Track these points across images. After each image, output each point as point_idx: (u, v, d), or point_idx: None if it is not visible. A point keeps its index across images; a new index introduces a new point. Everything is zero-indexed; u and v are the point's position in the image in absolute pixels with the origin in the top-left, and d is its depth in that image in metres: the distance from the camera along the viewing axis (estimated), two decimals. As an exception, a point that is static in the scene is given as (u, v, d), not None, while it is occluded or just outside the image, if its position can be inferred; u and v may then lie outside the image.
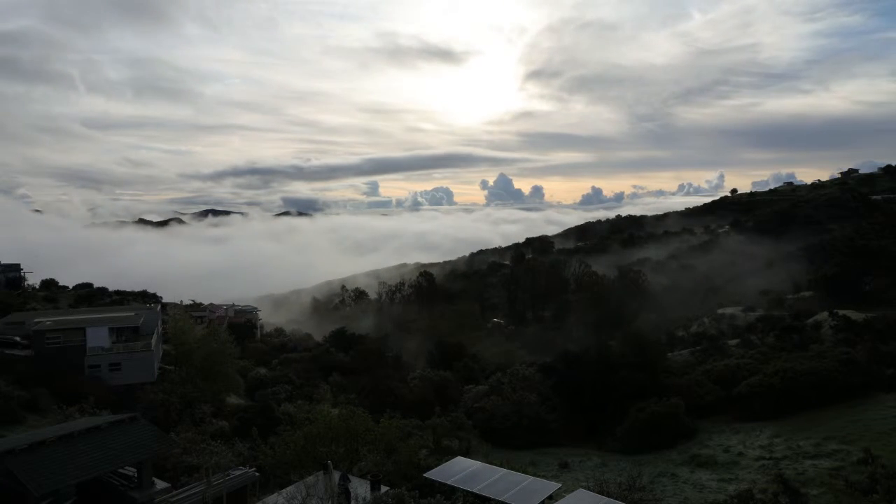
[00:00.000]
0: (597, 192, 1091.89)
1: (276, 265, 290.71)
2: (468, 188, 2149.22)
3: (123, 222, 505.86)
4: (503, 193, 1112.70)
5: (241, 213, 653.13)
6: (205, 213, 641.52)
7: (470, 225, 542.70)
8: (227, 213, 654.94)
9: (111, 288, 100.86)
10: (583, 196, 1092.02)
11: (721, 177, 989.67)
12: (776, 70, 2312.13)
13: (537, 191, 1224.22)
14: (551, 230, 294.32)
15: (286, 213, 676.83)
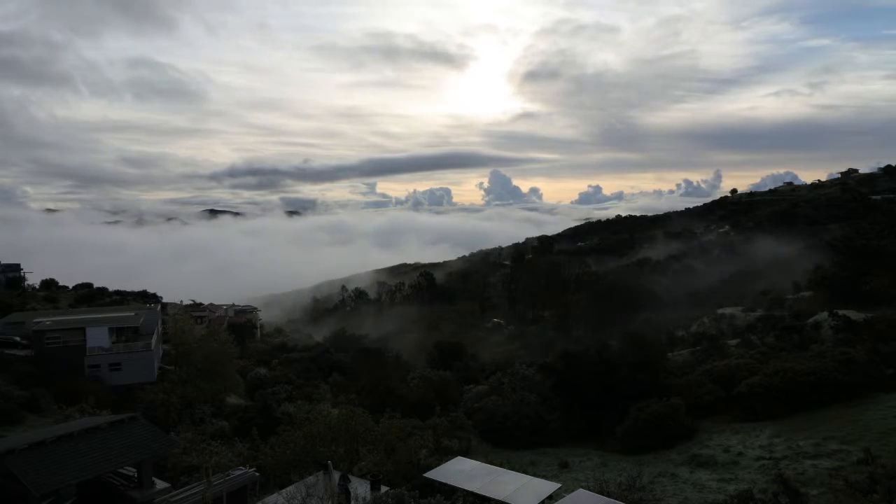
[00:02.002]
0: (596, 191, 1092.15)
1: (275, 265, 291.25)
2: (460, 188, 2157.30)
3: (121, 222, 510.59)
4: (503, 193, 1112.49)
5: (243, 213, 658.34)
6: (222, 213, 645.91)
7: (507, 223, 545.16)
8: (231, 212, 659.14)
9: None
10: (580, 195, 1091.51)
11: (718, 177, 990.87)
12: (724, 75, 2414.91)
13: (534, 191, 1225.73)
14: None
15: (295, 213, 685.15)
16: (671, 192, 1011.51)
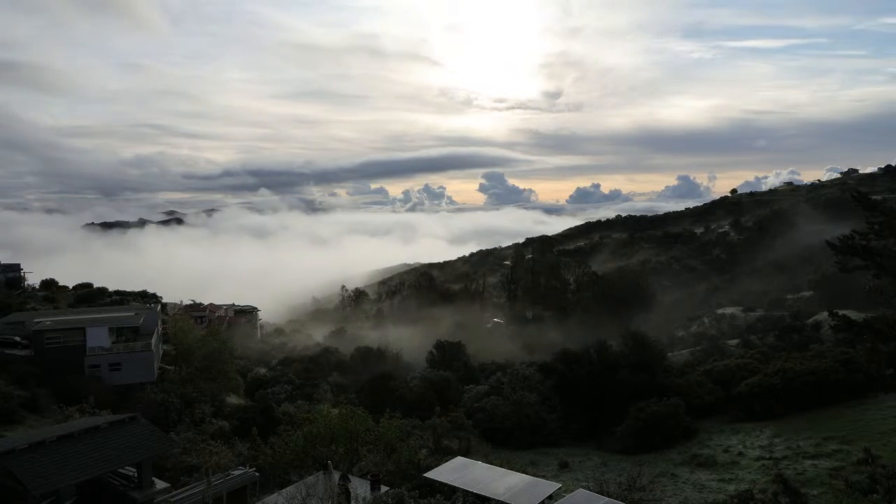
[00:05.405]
0: (596, 188, 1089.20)
1: (274, 266, 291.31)
2: (453, 189, 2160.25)
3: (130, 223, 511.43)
4: (502, 193, 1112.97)
5: (246, 213, 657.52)
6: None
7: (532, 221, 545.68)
8: (231, 212, 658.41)
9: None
10: (578, 192, 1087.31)
11: (713, 177, 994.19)
12: (636, 84, 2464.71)
13: (531, 191, 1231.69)
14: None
15: (303, 213, 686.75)
16: (668, 187, 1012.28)
